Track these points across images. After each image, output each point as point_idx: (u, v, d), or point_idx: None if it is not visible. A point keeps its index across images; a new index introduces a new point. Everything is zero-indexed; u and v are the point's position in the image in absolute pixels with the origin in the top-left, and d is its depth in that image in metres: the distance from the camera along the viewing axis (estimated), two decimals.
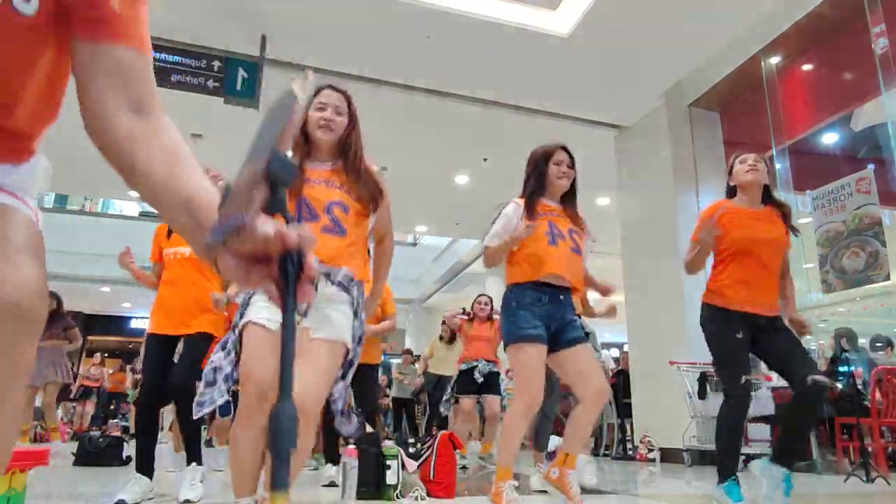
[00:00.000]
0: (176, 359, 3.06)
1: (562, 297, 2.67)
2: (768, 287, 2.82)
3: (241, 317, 1.90)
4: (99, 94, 0.70)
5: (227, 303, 3.00)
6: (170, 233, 3.16)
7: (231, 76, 5.55)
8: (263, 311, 1.86)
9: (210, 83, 5.54)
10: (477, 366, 4.97)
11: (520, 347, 2.59)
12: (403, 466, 3.01)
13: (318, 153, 2.09)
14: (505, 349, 2.72)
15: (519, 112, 6.88)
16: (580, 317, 3.32)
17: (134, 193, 9.97)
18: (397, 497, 2.90)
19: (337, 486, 3.47)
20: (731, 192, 3.01)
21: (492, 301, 5.36)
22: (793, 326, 2.85)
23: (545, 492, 3.45)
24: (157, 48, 5.45)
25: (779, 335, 2.78)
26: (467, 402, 4.97)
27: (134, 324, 17.75)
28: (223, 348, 1.93)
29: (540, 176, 2.80)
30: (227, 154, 9.38)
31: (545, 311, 2.62)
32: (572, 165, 2.82)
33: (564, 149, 2.84)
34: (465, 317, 5.44)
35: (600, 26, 5.45)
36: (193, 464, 2.96)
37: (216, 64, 5.59)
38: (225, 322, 3.18)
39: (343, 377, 1.89)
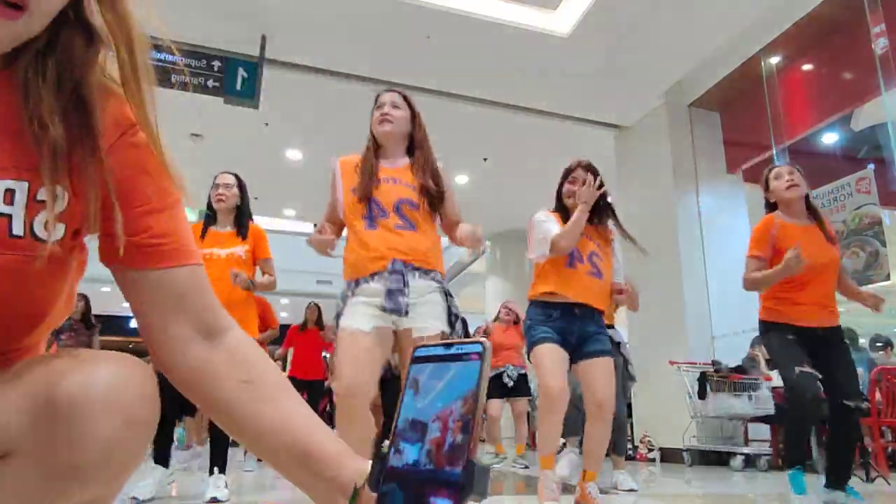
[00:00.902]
0: None
1: (576, 311, 2.63)
2: (825, 301, 2.82)
3: (338, 326, 2.02)
4: (160, 325, 0.63)
5: (250, 284, 3.06)
6: (204, 233, 3.19)
7: (231, 76, 5.55)
8: (356, 318, 1.97)
9: (210, 83, 5.53)
10: (505, 371, 5.12)
11: (535, 351, 2.63)
12: None
13: (384, 152, 2.20)
14: (528, 356, 2.77)
15: (519, 112, 6.88)
16: (611, 327, 3.19)
17: None
18: None
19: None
20: (772, 207, 2.98)
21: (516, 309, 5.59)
22: (867, 303, 2.86)
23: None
24: (157, 48, 5.45)
25: (833, 351, 2.78)
26: (495, 404, 5.10)
27: (134, 324, 17.67)
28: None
29: (559, 195, 2.80)
30: (227, 154, 9.43)
31: (557, 326, 2.62)
32: (594, 178, 2.73)
33: (585, 166, 2.77)
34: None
35: (600, 26, 5.44)
36: (216, 470, 2.95)
37: (216, 64, 5.59)
38: (256, 319, 3.29)
39: None
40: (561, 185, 2.82)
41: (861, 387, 4.87)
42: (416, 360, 0.50)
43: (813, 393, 2.62)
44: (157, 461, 2.92)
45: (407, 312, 1.96)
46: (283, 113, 6.99)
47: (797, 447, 2.74)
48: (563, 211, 2.76)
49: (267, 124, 7.27)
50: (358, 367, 1.91)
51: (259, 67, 5.65)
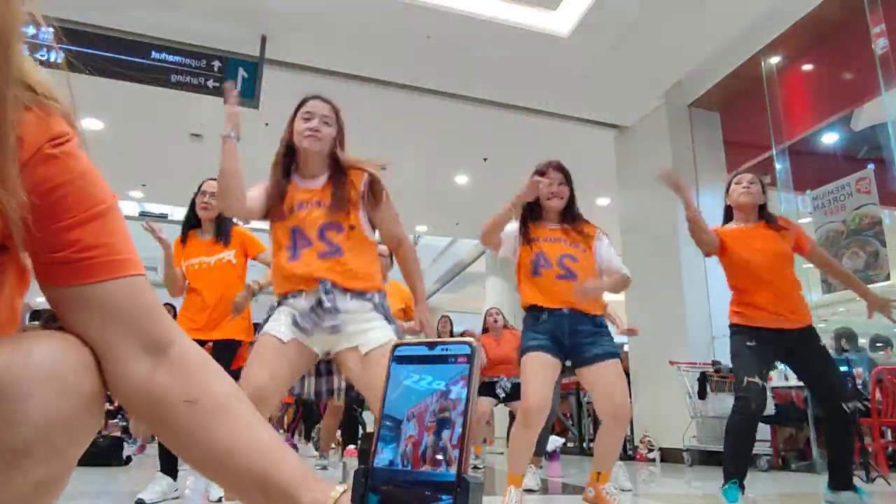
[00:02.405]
0: None
1: (564, 310, 2.60)
2: (788, 300, 2.81)
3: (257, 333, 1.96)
4: (101, 345, 0.58)
5: (251, 294, 3.03)
6: (184, 241, 3.17)
7: (231, 76, 5.55)
8: (277, 325, 1.90)
9: (210, 83, 5.53)
10: (499, 382, 4.94)
11: (525, 359, 2.58)
12: None
13: (304, 167, 2.06)
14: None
15: (519, 112, 6.88)
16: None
17: (134, 193, 9.98)
18: None
19: None
20: (728, 212, 3.07)
21: (501, 313, 5.34)
22: (876, 306, 2.83)
23: (535, 491, 3.47)
24: (157, 48, 5.46)
25: (812, 352, 2.78)
26: (485, 402, 4.88)
27: None
28: None
29: (533, 200, 2.69)
30: None
31: (546, 328, 2.59)
32: (565, 181, 2.70)
33: (555, 166, 2.72)
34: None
35: (600, 26, 5.45)
36: None
37: (216, 64, 5.59)
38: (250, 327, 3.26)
39: None
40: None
41: (861, 387, 4.90)
42: (397, 359, 0.48)
43: (758, 405, 2.62)
44: (164, 471, 2.88)
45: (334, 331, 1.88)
46: (283, 113, 6.95)
47: (738, 458, 2.67)
48: (523, 226, 2.75)
49: (267, 124, 7.26)
50: (267, 371, 1.84)
51: (259, 67, 5.66)
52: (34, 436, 0.50)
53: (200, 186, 3.20)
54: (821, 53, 5.59)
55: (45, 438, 0.51)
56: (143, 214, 14.41)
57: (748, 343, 2.75)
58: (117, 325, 0.59)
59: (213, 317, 3.05)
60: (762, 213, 2.99)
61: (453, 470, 0.42)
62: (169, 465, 2.90)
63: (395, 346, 0.49)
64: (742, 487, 2.62)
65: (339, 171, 2.04)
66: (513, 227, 2.72)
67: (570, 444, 7.87)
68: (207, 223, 3.19)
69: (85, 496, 3.10)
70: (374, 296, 1.98)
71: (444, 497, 0.42)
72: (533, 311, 2.65)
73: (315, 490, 0.56)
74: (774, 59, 5.84)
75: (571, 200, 2.74)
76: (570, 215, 2.73)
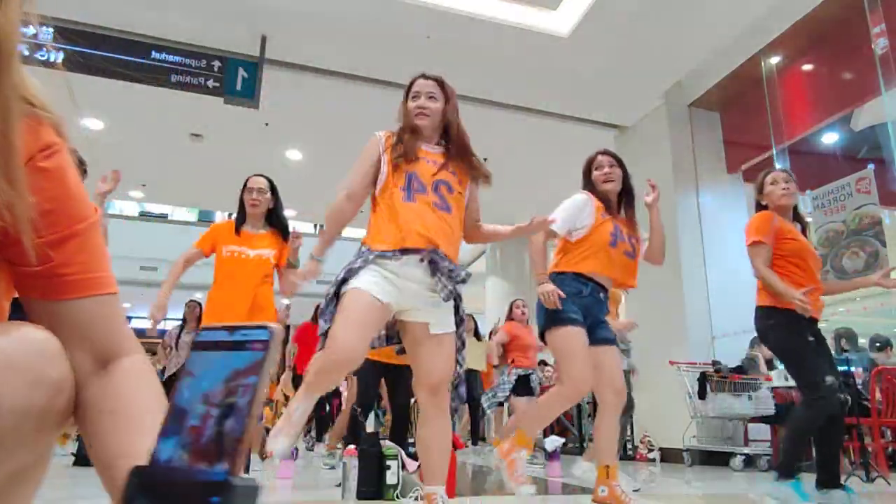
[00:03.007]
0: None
1: (601, 294, 2.68)
2: (818, 292, 2.89)
3: (343, 284, 1.94)
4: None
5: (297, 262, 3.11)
6: (238, 230, 3.22)
7: (231, 76, 5.55)
8: (374, 286, 1.91)
9: (210, 83, 5.53)
10: (534, 373, 5.30)
11: (561, 330, 2.53)
12: (403, 466, 3.01)
13: (423, 137, 2.19)
14: (542, 336, 2.65)
15: (519, 112, 6.88)
16: None
17: (134, 193, 9.99)
18: (397, 497, 2.90)
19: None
20: (762, 209, 3.07)
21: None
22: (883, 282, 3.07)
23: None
24: (157, 48, 5.46)
25: (821, 340, 2.85)
26: (523, 403, 5.16)
27: (134, 323, 17.74)
28: (321, 316, 1.98)
29: (591, 185, 2.83)
30: (227, 154, 9.40)
31: (583, 303, 2.60)
32: (617, 164, 2.84)
33: (605, 152, 2.89)
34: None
35: (600, 26, 5.45)
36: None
37: (216, 64, 5.59)
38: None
39: (458, 363, 2.07)
40: (588, 174, 2.90)
41: (861, 387, 4.90)
42: (197, 345, 0.45)
43: (840, 406, 2.65)
44: None
45: (446, 299, 1.98)
46: (283, 113, 6.99)
47: (798, 456, 2.71)
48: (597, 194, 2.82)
49: (267, 124, 7.27)
50: (364, 335, 1.87)
51: (259, 67, 5.66)
52: (2, 425, 0.49)
53: (246, 184, 3.30)
54: (821, 53, 5.59)
55: (14, 427, 0.50)
56: (144, 214, 14.44)
57: (809, 338, 2.75)
58: (77, 340, 0.60)
59: (246, 313, 3.08)
60: (795, 213, 3.06)
61: (225, 467, 0.38)
62: None
63: (198, 332, 0.46)
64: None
65: (451, 140, 2.18)
66: (583, 201, 2.74)
67: (570, 444, 7.86)
68: (256, 218, 3.28)
69: (85, 497, 3.10)
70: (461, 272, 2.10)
71: (213, 499, 0.38)
72: (577, 281, 2.63)
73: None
74: (774, 59, 5.84)
75: (626, 187, 2.87)
76: (626, 201, 2.89)
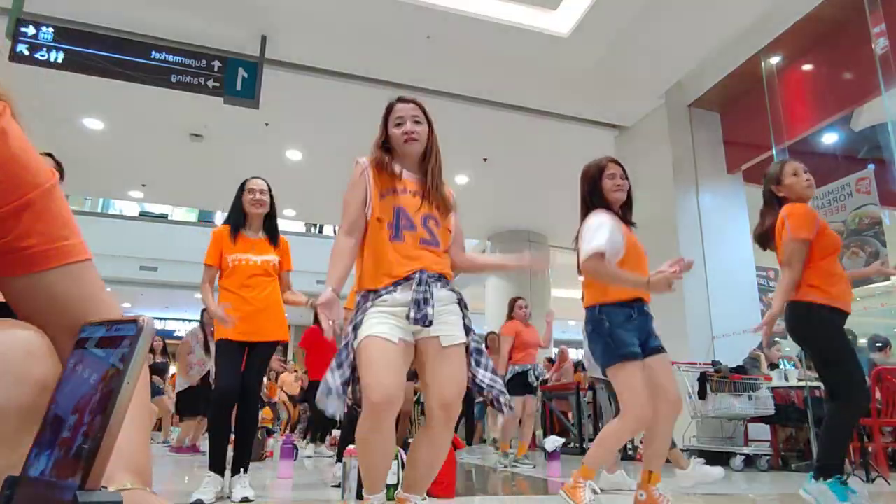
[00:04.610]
0: None
1: (646, 307, 2.66)
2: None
3: (356, 336, 1.93)
4: (45, 331, 0.56)
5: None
6: (234, 236, 3.16)
7: (231, 76, 5.55)
8: (382, 327, 1.91)
9: (210, 83, 5.54)
10: (533, 369, 5.32)
11: (623, 367, 2.53)
12: (403, 466, 3.01)
13: (405, 163, 2.14)
14: (604, 371, 2.64)
15: (519, 112, 6.89)
16: None
17: (134, 193, 9.99)
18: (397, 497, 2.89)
19: None
20: (779, 202, 2.99)
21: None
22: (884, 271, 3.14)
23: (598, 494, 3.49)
24: (157, 48, 5.46)
25: None
26: (519, 400, 5.18)
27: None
28: (339, 367, 1.93)
29: (599, 192, 2.76)
30: (228, 154, 9.39)
31: (636, 325, 2.59)
32: (625, 176, 2.80)
33: (615, 161, 2.83)
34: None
35: (600, 26, 5.45)
36: (242, 470, 2.99)
37: (216, 64, 5.59)
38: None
39: (479, 364, 2.03)
40: (598, 181, 2.79)
41: None
42: (78, 343, 0.42)
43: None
44: (213, 469, 2.94)
45: (431, 323, 1.93)
46: (283, 113, 6.99)
47: (840, 454, 2.67)
48: (606, 207, 2.78)
49: (267, 124, 7.27)
50: (392, 374, 1.84)
51: (259, 67, 5.66)
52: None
53: (243, 186, 3.24)
54: (821, 53, 5.59)
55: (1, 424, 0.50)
56: (144, 214, 14.43)
57: (847, 336, 2.74)
58: (54, 317, 0.58)
59: (260, 321, 3.07)
60: None
61: (77, 482, 0.35)
62: (219, 464, 2.96)
63: (81, 329, 0.43)
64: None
65: (430, 170, 2.14)
66: (609, 219, 2.67)
67: (570, 444, 7.86)
68: (256, 221, 3.23)
69: None
70: (457, 289, 2.08)
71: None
72: (622, 308, 2.60)
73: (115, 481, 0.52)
74: (774, 59, 5.84)
75: (629, 196, 2.84)
76: (628, 210, 2.86)
